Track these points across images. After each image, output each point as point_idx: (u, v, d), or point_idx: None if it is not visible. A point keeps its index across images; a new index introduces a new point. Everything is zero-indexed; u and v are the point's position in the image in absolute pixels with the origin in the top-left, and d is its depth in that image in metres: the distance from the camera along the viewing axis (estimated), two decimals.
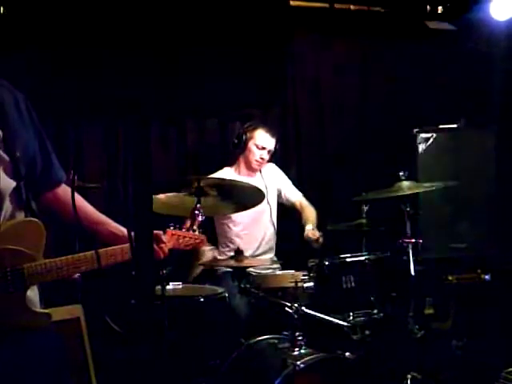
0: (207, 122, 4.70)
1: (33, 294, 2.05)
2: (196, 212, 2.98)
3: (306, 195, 4.40)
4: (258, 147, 4.19)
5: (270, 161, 4.33)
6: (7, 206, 2.02)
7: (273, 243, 4.33)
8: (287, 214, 4.38)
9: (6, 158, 1.99)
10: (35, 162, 2.10)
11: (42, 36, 3.78)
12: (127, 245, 2.18)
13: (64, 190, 2.23)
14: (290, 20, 4.46)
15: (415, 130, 4.57)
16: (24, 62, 3.71)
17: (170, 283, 3.56)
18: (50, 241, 2.09)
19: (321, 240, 3.92)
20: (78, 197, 2.18)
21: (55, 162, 2.19)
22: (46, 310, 2.07)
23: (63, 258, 2.07)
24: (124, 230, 2.24)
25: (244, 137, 4.20)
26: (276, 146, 4.24)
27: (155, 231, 2.30)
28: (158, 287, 3.15)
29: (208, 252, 4.15)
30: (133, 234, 2.33)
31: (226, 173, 4.25)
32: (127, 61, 3.32)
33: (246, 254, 3.68)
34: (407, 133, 4.58)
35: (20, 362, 1.98)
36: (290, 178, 4.46)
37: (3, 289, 1.96)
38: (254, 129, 4.22)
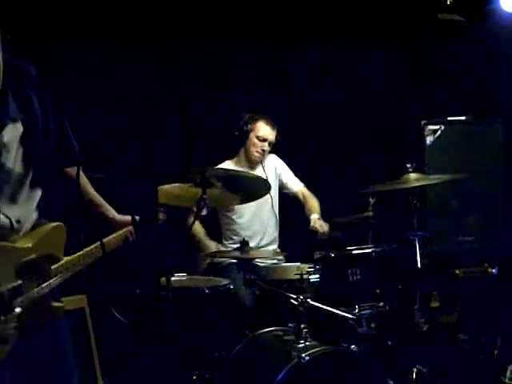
0: (213, 112, 4.68)
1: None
2: (201, 203, 2.97)
3: (312, 187, 4.38)
4: (258, 139, 4.18)
5: (272, 152, 4.32)
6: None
7: (276, 234, 4.33)
8: (292, 206, 4.37)
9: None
10: (49, 140, 2.15)
11: None
12: (123, 231, 2.44)
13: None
14: None
15: (423, 122, 4.55)
16: None
17: (175, 275, 3.55)
18: None
19: (327, 230, 3.92)
20: (83, 178, 2.33)
21: (72, 141, 2.25)
22: (61, 304, 2.19)
23: (77, 254, 2.24)
24: (114, 213, 2.44)
25: (245, 128, 4.19)
26: (277, 137, 4.23)
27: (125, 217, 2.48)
28: (163, 278, 3.15)
29: (211, 244, 4.14)
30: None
31: (227, 165, 4.24)
32: None
33: (250, 245, 3.67)
34: (415, 125, 4.55)
35: (45, 352, 2.11)
36: (295, 169, 4.44)
37: (38, 291, 2.07)
38: (255, 120, 4.20)
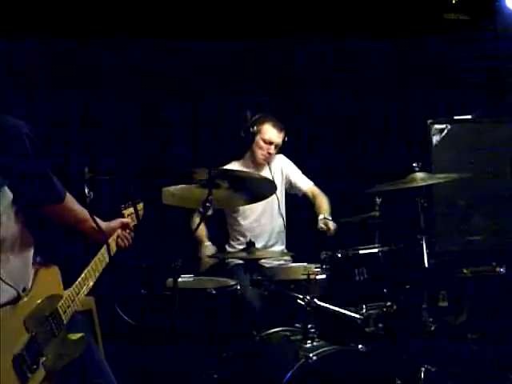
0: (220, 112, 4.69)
1: None
2: (207, 204, 2.97)
3: (318, 187, 4.37)
4: (265, 142, 4.16)
5: (279, 152, 4.31)
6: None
7: (283, 235, 4.32)
8: (299, 206, 4.37)
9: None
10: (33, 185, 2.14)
11: None
12: (112, 239, 2.51)
13: (65, 203, 2.32)
14: None
15: (429, 121, 4.52)
16: None
17: (182, 276, 3.55)
18: None
19: (333, 228, 3.91)
20: (70, 198, 2.32)
21: (55, 183, 2.24)
22: (80, 335, 2.23)
23: (75, 283, 2.28)
24: (101, 223, 2.43)
25: (251, 130, 4.16)
26: (284, 138, 4.21)
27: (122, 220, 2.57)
28: (170, 279, 3.15)
29: (210, 248, 4.12)
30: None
31: (234, 166, 4.23)
32: None
33: (257, 246, 3.67)
34: (421, 124, 4.54)
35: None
36: (302, 169, 4.43)
37: (50, 334, 2.11)
38: (262, 123, 4.17)
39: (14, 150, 2.02)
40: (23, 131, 2.06)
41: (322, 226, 3.95)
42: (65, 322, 2.17)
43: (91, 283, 2.34)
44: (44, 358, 2.06)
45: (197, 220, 4.08)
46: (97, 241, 2.42)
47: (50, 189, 2.20)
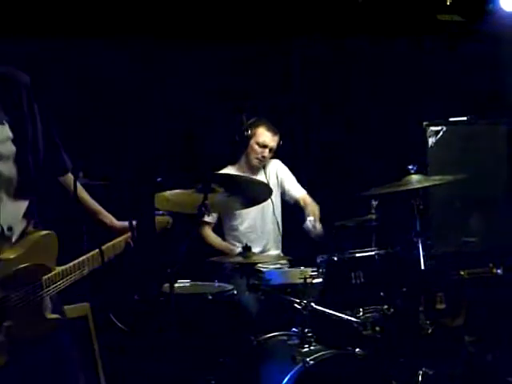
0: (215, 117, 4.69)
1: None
2: (202, 209, 2.96)
3: (314, 191, 4.37)
4: (259, 145, 4.17)
5: (275, 157, 4.31)
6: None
7: (279, 239, 4.32)
8: (294, 210, 4.36)
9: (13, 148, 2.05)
10: (37, 148, 2.13)
11: None
12: (123, 237, 2.42)
13: (70, 179, 2.29)
14: None
15: (425, 123, 4.52)
16: None
17: (179, 281, 3.54)
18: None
19: (319, 228, 3.91)
20: (78, 186, 2.28)
21: (62, 152, 2.25)
22: (54, 316, 2.13)
23: (72, 263, 2.19)
24: (112, 219, 2.43)
25: (246, 134, 4.17)
26: (279, 142, 4.21)
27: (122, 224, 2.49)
28: (166, 285, 3.14)
29: (233, 247, 4.15)
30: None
31: (229, 171, 4.23)
32: None
33: (253, 250, 3.66)
34: (416, 126, 4.53)
35: (41, 364, 2.07)
36: (296, 173, 4.43)
37: (24, 302, 2.02)
38: (256, 126, 4.19)
39: (19, 95, 2.05)
40: (23, 81, 2.08)
41: (308, 225, 3.95)
42: (44, 295, 2.08)
43: (86, 271, 2.25)
44: (7, 324, 1.97)
45: (208, 231, 4.14)
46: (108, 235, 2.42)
47: (57, 156, 2.20)
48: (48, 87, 2.14)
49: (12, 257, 2.00)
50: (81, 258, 2.23)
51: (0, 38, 3.48)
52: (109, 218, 2.43)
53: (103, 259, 2.23)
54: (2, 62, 2.07)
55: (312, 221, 4.00)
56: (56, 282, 2.12)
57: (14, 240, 2.05)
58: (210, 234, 4.23)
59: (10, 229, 2.04)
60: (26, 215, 2.11)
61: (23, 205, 2.11)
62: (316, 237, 3.94)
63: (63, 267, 2.16)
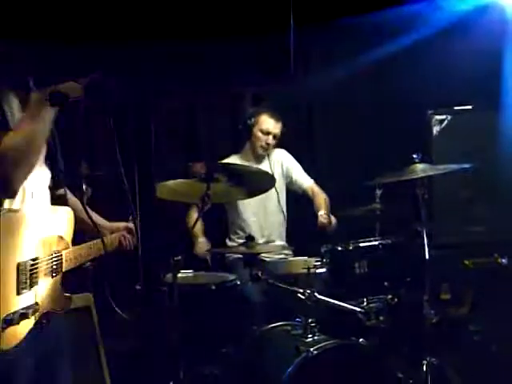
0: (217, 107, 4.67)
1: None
2: (206, 198, 2.95)
3: (318, 180, 4.35)
4: (262, 132, 4.17)
5: (280, 146, 4.30)
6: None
7: (283, 230, 4.31)
8: (299, 201, 4.34)
9: None
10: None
11: None
12: (116, 235, 2.57)
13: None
14: None
15: (430, 112, 4.50)
16: None
17: (181, 271, 3.53)
18: None
19: (333, 223, 3.90)
20: (71, 199, 2.35)
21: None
22: (68, 295, 2.22)
23: (86, 244, 2.31)
24: (103, 221, 2.54)
25: (249, 122, 4.17)
26: (282, 130, 4.21)
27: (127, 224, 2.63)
28: (169, 275, 3.14)
29: (203, 244, 4.10)
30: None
31: (233, 160, 4.22)
32: None
33: (257, 240, 3.65)
34: (422, 114, 4.50)
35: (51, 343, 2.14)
36: (302, 162, 4.41)
37: (49, 272, 2.09)
38: (259, 114, 4.20)
39: None
40: None
41: (323, 221, 3.93)
42: (63, 270, 2.15)
43: (91, 257, 2.35)
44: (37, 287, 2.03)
45: (194, 215, 4.06)
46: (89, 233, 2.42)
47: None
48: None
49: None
50: (92, 242, 2.33)
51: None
52: (100, 220, 2.50)
53: (105, 247, 2.32)
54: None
55: (323, 216, 3.97)
56: (73, 259, 2.20)
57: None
58: (194, 218, 4.09)
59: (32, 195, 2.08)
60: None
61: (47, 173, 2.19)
62: (331, 231, 3.92)
63: (78, 246, 2.26)
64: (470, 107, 4.56)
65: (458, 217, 4.43)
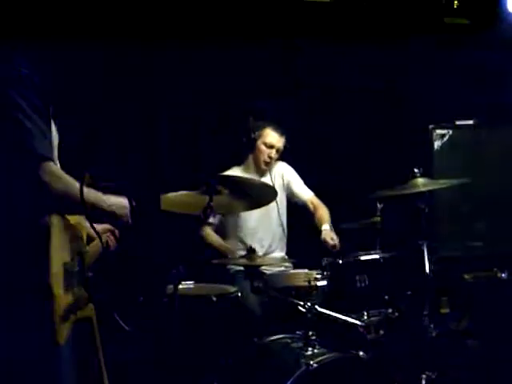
0: (219, 119, 4.68)
1: None
2: (208, 210, 2.96)
3: (319, 193, 4.37)
4: (266, 146, 4.19)
5: (281, 159, 4.32)
6: None
7: (283, 242, 4.32)
8: (299, 213, 4.35)
9: None
10: None
11: None
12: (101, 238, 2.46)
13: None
14: None
15: (431, 127, 4.52)
16: None
17: (183, 282, 3.54)
18: None
19: (338, 244, 3.92)
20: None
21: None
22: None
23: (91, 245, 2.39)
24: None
25: (252, 135, 4.19)
26: (286, 144, 4.22)
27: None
28: (170, 286, 3.14)
29: (232, 247, 4.15)
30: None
31: (235, 172, 4.24)
32: None
33: (257, 252, 3.66)
34: (423, 129, 4.52)
35: None
36: (301, 175, 4.43)
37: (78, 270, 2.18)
38: (263, 127, 4.21)
39: None
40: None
41: (328, 240, 3.95)
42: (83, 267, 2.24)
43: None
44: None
45: (209, 231, 4.14)
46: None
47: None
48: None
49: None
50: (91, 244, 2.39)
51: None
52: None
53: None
54: None
55: (327, 230, 3.99)
56: (90, 257, 2.30)
57: None
58: (210, 233, 4.20)
59: None
60: None
61: None
62: (334, 248, 3.93)
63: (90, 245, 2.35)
64: (471, 122, 4.58)
65: (459, 231, 4.45)
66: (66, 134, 2.30)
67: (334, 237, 3.98)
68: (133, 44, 4.24)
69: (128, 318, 3.20)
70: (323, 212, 4.22)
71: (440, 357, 3.65)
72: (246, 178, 3.92)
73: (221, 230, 4.28)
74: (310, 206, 4.30)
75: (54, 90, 2.15)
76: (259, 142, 4.20)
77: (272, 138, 4.20)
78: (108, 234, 2.68)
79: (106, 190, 2.62)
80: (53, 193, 2.02)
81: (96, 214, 2.26)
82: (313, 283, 3.34)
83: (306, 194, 4.36)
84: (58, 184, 2.04)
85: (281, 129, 4.23)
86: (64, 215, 2.12)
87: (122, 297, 3.49)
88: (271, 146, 4.19)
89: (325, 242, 3.97)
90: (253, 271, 3.60)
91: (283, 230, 4.30)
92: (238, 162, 4.36)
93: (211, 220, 4.14)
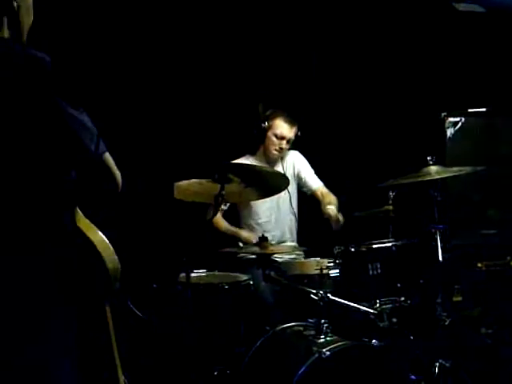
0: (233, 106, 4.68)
1: None
2: (220, 199, 2.96)
3: (330, 182, 4.35)
4: (276, 137, 4.15)
5: (294, 148, 4.30)
6: None
7: (294, 231, 4.31)
8: (311, 201, 4.35)
9: None
10: None
11: None
12: None
13: None
14: None
15: (443, 114, 4.48)
16: None
17: (195, 270, 3.55)
18: None
19: (341, 220, 3.90)
20: None
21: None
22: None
23: None
24: None
25: (263, 125, 4.16)
26: (297, 133, 4.20)
27: None
28: (183, 274, 3.15)
29: (249, 234, 4.15)
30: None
31: (247, 160, 4.23)
32: None
33: (269, 241, 3.66)
34: (435, 117, 4.50)
35: None
36: (314, 164, 4.41)
37: None
38: (274, 118, 4.17)
39: None
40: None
41: (330, 213, 3.93)
42: None
43: None
44: None
45: (218, 218, 4.13)
46: None
47: None
48: None
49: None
50: None
51: None
52: None
53: None
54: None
55: (332, 208, 3.98)
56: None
57: None
58: (220, 220, 4.19)
59: None
60: None
61: None
62: (336, 226, 3.92)
63: None
64: (484, 109, 4.55)
65: (472, 219, 4.42)
66: None
67: (339, 214, 3.96)
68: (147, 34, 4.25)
69: (141, 305, 3.22)
70: (331, 198, 4.20)
71: (453, 345, 3.64)
72: (258, 167, 3.91)
73: (233, 218, 4.28)
74: (319, 195, 4.28)
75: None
76: (270, 133, 4.17)
77: (282, 128, 4.16)
78: None
79: None
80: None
81: None
82: (325, 271, 3.35)
83: (314, 183, 4.34)
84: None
85: (292, 119, 4.20)
86: None
87: (136, 284, 3.52)
88: (282, 137, 4.17)
89: (328, 217, 3.94)
90: (265, 259, 3.60)
91: (295, 218, 4.30)
92: (251, 150, 4.34)
93: (223, 207, 4.14)
